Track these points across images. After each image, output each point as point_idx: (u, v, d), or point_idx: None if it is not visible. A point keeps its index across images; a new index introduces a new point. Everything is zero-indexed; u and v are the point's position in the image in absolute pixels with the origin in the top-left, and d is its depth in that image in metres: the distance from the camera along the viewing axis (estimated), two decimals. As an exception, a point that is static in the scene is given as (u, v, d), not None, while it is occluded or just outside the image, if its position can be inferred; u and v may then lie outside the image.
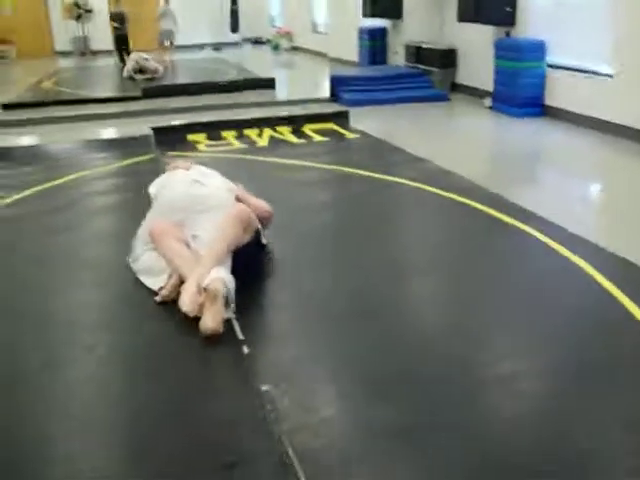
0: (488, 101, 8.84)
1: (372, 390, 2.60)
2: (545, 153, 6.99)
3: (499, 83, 8.48)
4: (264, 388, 2.60)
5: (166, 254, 3.38)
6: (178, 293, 3.15)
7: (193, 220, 3.49)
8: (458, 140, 7.44)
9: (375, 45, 12.04)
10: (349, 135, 7.14)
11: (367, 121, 7.79)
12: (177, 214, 3.52)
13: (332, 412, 2.53)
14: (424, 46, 10.27)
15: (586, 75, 7.49)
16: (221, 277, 3.07)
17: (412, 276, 3.71)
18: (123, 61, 13.62)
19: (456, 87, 9.99)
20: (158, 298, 3.26)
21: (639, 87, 6.80)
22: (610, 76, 7.16)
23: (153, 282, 3.37)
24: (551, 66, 8.02)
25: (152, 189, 3.92)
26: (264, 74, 11.47)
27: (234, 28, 17.97)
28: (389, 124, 8.03)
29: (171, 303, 3.18)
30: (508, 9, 8.45)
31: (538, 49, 8.01)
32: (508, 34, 8.68)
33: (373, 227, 4.43)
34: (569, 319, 3.09)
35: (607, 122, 7.19)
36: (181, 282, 3.23)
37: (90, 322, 3.22)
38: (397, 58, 11.58)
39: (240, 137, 7.03)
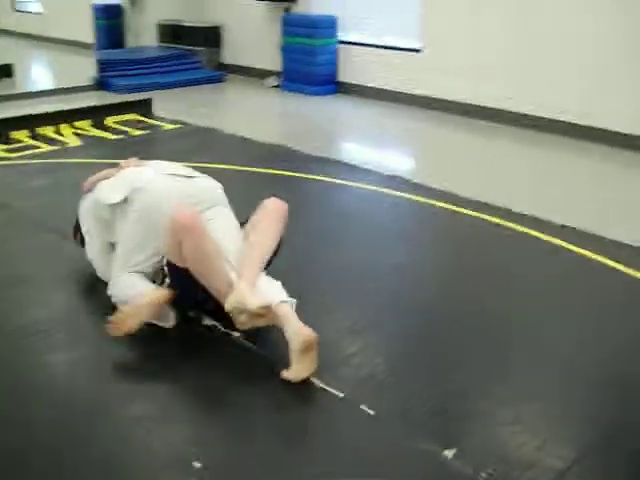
0: (272, 80, 8.42)
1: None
2: (349, 123, 7.02)
3: (290, 61, 8.08)
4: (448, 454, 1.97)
5: (198, 258, 2.47)
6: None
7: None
8: (278, 120, 7.13)
9: (112, 25, 10.78)
10: (166, 126, 6.19)
11: (165, 108, 6.85)
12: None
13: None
14: (185, 24, 9.41)
15: (392, 51, 7.47)
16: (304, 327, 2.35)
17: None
18: None
19: (223, 67, 9.34)
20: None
21: (446, 60, 6.96)
22: (418, 50, 7.22)
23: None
24: (344, 42, 7.88)
25: (115, 195, 2.79)
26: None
27: None
28: (192, 109, 7.15)
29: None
30: (290, -16, 8.08)
31: (331, 25, 7.79)
32: (288, 10, 8.30)
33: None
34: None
35: (418, 96, 7.26)
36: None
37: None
38: (141, 38, 10.51)
39: (36, 137, 5.66)
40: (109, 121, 6.21)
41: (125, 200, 2.75)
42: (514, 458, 2.00)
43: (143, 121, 6.30)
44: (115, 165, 3.15)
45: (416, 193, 4.38)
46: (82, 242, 3.07)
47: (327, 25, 7.76)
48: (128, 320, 2.45)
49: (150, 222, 2.67)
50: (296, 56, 7.95)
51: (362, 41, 7.74)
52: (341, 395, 2.24)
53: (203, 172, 3.00)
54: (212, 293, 2.52)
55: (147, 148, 5.46)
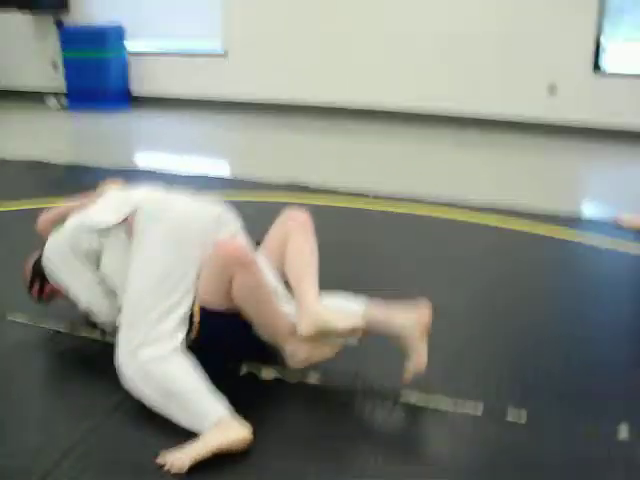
0: (54, 101, 7.58)
1: None
2: (159, 136, 6.49)
3: (74, 78, 7.32)
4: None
5: (257, 295, 2.11)
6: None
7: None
8: (83, 141, 6.37)
9: None
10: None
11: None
12: (204, 240, 2.19)
13: None
14: None
15: (190, 57, 7.15)
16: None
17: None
18: None
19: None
20: (182, 463, 1.82)
21: (252, 62, 6.86)
22: (221, 54, 6.99)
23: (191, 417, 1.94)
24: (135, 53, 7.35)
25: (112, 215, 2.29)
26: None
27: None
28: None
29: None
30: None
31: (118, 35, 7.22)
32: (60, 21, 7.50)
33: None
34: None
35: (224, 101, 7.06)
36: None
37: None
38: None
39: None
40: None
41: (126, 220, 2.26)
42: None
43: None
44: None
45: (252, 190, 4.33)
46: (40, 294, 2.52)
47: (114, 35, 7.18)
48: (184, 460, 1.83)
49: (178, 246, 2.16)
50: (82, 72, 7.24)
51: (155, 50, 7.31)
52: (479, 413, 2.10)
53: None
54: (267, 333, 2.21)
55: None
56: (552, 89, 5.91)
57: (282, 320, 2.18)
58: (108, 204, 2.37)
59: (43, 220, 2.58)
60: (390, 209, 4.04)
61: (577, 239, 3.63)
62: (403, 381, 2.15)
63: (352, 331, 2.11)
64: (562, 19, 5.73)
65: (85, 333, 2.56)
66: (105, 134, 6.52)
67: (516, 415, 2.08)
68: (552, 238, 3.62)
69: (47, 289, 2.49)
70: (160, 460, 1.84)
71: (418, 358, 2.13)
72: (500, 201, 4.11)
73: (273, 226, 2.43)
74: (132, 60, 7.36)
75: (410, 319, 2.14)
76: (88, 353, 2.47)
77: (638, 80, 5.73)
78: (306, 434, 2.03)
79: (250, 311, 2.14)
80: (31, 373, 2.38)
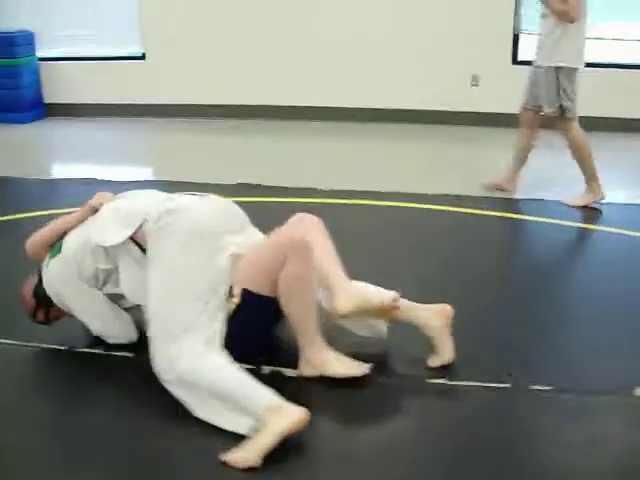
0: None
1: None
2: (85, 145, 6.25)
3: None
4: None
5: (305, 285, 2.15)
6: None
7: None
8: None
9: None
10: None
11: None
12: (219, 239, 2.21)
13: None
14: None
15: (109, 61, 6.94)
16: None
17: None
18: None
19: None
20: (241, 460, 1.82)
21: (172, 64, 6.74)
22: (142, 57, 6.82)
23: (233, 419, 1.94)
24: (47, 59, 7.05)
25: (119, 232, 2.22)
26: None
27: None
28: None
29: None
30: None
31: (29, 41, 6.89)
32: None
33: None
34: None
35: (140, 106, 6.88)
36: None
37: None
38: None
39: None
40: None
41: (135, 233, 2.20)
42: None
43: None
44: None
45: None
46: (46, 320, 2.43)
47: (24, 42, 6.85)
48: (252, 454, 1.82)
49: (201, 248, 2.15)
50: (-6, 80, 6.86)
51: (70, 55, 7.06)
52: (508, 385, 2.19)
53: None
54: (297, 325, 2.21)
55: None
56: (475, 80, 6.14)
57: (314, 317, 2.20)
58: (110, 220, 2.28)
59: (34, 242, 2.45)
60: (348, 202, 4.12)
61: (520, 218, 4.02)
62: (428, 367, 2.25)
63: (385, 308, 2.19)
64: (483, 14, 5.98)
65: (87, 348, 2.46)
66: (18, 145, 6.22)
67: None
68: (496, 218, 3.98)
69: (52, 315, 2.40)
70: (224, 458, 1.82)
71: (446, 352, 2.24)
72: (446, 189, 4.35)
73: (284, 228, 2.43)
74: (46, 67, 7.05)
75: (432, 309, 2.25)
76: (98, 368, 2.38)
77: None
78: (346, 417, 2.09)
79: (289, 298, 2.14)
80: (47, 394, 2.28)
